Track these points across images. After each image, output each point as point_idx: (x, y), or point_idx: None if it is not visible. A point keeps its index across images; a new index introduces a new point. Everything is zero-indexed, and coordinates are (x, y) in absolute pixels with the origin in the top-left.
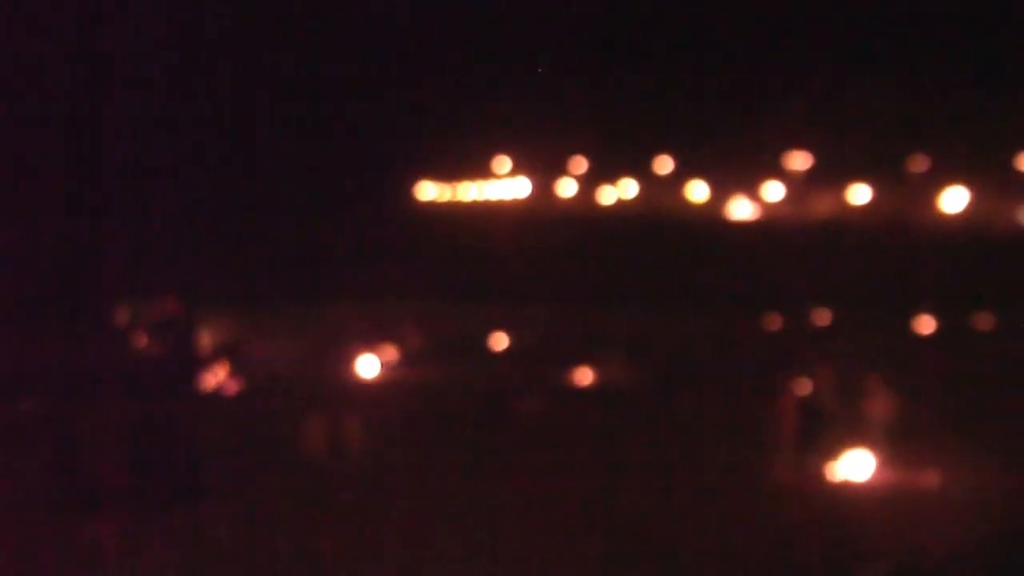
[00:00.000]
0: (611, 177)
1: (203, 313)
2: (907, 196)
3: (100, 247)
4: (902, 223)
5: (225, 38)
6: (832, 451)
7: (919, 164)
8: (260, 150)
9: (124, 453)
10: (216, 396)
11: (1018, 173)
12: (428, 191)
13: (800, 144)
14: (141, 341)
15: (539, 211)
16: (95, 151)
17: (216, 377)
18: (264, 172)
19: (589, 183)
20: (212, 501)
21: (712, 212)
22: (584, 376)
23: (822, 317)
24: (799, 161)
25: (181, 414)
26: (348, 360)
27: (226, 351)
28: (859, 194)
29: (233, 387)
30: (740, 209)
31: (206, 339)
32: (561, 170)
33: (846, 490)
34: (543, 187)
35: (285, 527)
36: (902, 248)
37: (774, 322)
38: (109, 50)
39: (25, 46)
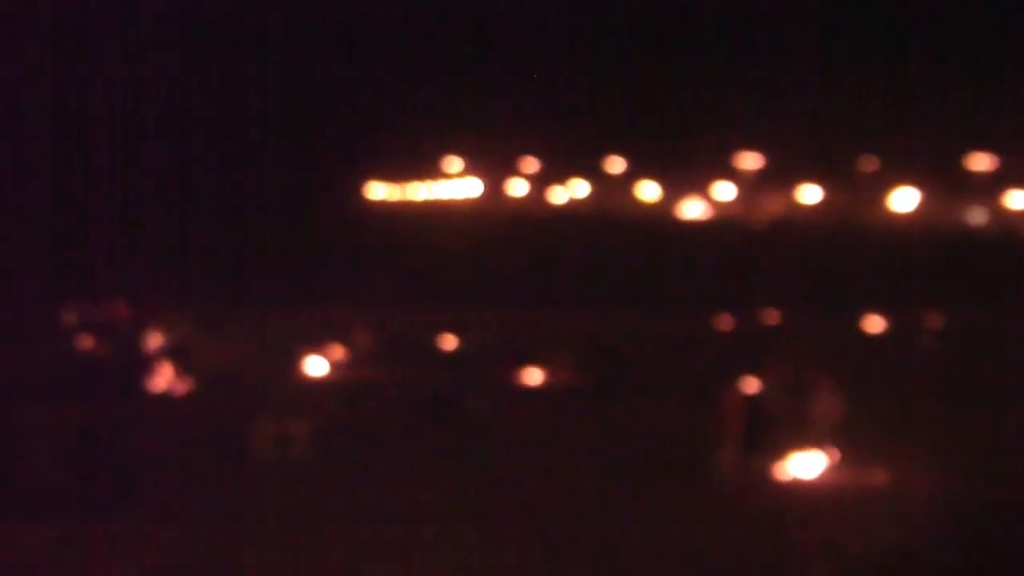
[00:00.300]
0: (562, 177)
1: (151, 315)
2: (857, 196)
3: (45, 249)
4: (852, 223)
5: (176, 43)
6: (781, 451)
7: (869, 164)
8: (208, 154)
9: (66, 457)
10: (163, 398)
11: (967, 173)
12: (378, 192)
13: (751, 145)
14: (86, 343)
15: (490, 211)
16: (40, 155)
17: (163, 379)
18: (212, 176)
19: (540, 183)
20: (157, 504)
21: (663, 212)
22: (533, 377)
23: (772, 317)
24: (750, 161)
25: (126, 417)
26: (297, 362)
27: (174, 353)
28: (809, 194)
29: (180, 389)
30: (691, 209)
31: (154, 341)
32: (512, 170)
33: (795, 490)
34: (494, 187)
35: (230, 529)
36: (852, 248)
37: (724, 322)
38: (47, 53)
39: None
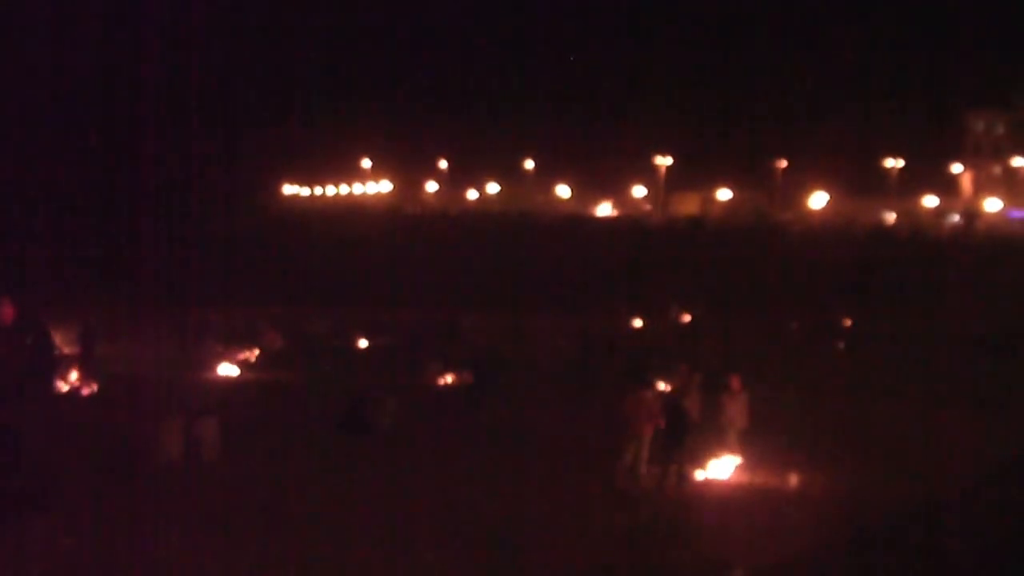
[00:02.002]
0: (474, 178)
1: (57, 315)
2: (773, 197)
3: None
4: (766, 223)
5: (90, 39)
6: (694, 453)
7: (783, 164)
8: (116, 150)
9: None
10: (68, 399)
11: (883, 172)
12: (291, 192)
13: (663, 146)
14: None
15: (402, 212)
16: None
17: (69, 380)
18: (122, 173)
19: (452, 184)
20: (61, 509)
21: (576, 212)
22: (444, 378)
23: (685, 317)
24: (663, 162)
25: (28, 419)
26: (207, 362)
27: (81, 353)
28: (722, 194)
29: (87, 390)
30: (603, 209)
31: (60, 341)
32: (425, 171)
33: (707, 492)
34: (406, 188)
35: (137, 533)
36: (765, 248)
37: (637, 322)
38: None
39: None
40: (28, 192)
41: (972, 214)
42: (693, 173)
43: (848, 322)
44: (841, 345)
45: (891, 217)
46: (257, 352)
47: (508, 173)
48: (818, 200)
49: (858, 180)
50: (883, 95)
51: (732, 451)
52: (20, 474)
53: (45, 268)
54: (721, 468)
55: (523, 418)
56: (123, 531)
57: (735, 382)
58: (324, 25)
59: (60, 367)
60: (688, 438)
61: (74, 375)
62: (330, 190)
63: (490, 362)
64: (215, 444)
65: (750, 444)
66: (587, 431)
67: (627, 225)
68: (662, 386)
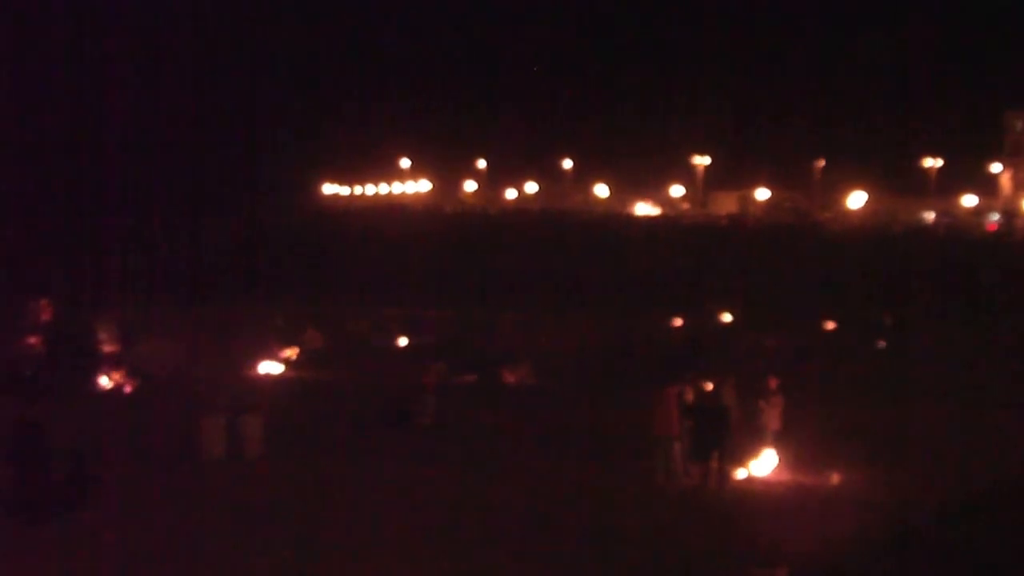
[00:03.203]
0: (513, 177)
1: (100, 313)
2: (811, 196)
3: None
4: (805, 223)
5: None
6: (734, 451)
7: (822, 164)
8: (159, 149)
9: (11, 459)
10: (111, 396)
11: (922, 172)
12: (331, 191)
13: (702, 145)
14: (33, 342)
15: (441, 211)
16: None
17: (113, 378)
18: (164, 172)
19: (491, 183)
20: (103, 505)
21: (615, 212)
22: (485, 376)
23: (724, 317)
24: (701, 161)
25: (70, 416)
26: (250, 361)
27: (122, 351)
28: (761, 193)
29: (129, 387)
30: (641, 208)
31: (104, 339)
32: (464, 170)
33: (747, 490)
34: (445, 187)
35: (181, 530)
36: (805, 248)
37: (677, 321)
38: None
39: None
40: (68, 193)
41: (1011, 213)
42: (732, 172)
43: (889, 321)
44: (882, 344)
45: (930, 216)
46: (298, 350)
47: (547, 172)
48: (857, 199)
49: (897, 179)
50: (922, 95)
51: (772, 448)
52: (62, 471)
53: (87, 268)
54: (761, 466)
55: (562, 415)
56: (166, 525)
57: (771, 383)
58: (365, 25)
59: (102, 365)
60: (727, 436)
61: (115, 373)
62: (369, 189)
63: (565, 359)
64: (258, 441)
65: (789, 442)
66: (627, 429)
67: (666, 224)
68: (701, 385)
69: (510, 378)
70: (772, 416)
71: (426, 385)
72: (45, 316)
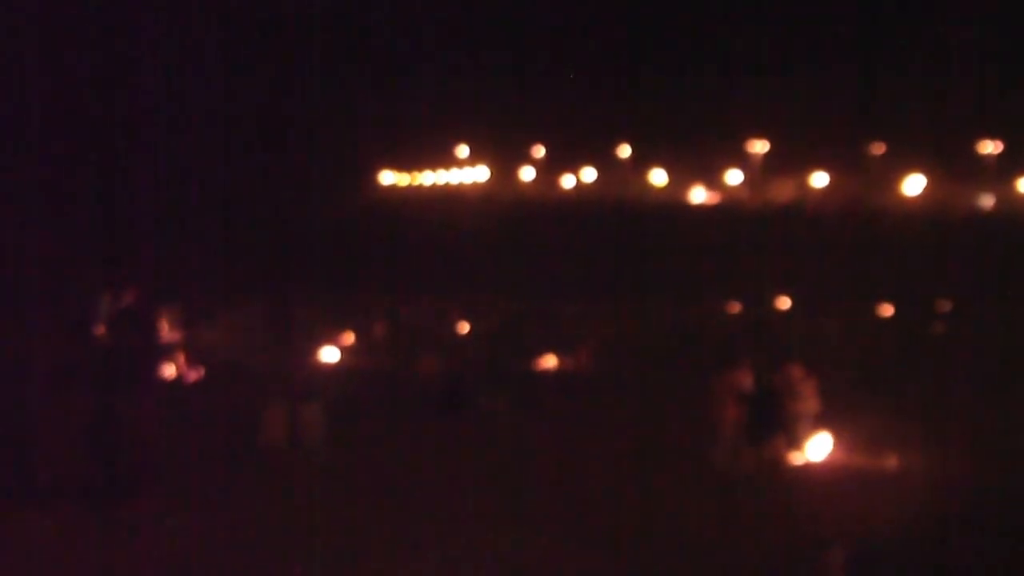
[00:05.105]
0: (571, 164)
1: (164, 304)
2: (867, 182)
3: (58, 242)
4: (862, 209)
5: (202, 39)
6: (791, 435)
7: (878, 150)
8: (224, 144)
9: (81, 446)
10: (175, 385)
11: (978, 158)
12: (390, 180)
13: (759, 131)
14: (100, 333)
15: (499, 198)
16: (55, 150)
17: (176, 367)
18: (226, 165)
19: (549, 170)
20: (169, 492)
21: (672, 198)
22: (543, 364)
23: (783, 303)
24: (758, 147)
25: (139, 405)
26: (309, 349)
27: (185, 339)
28: (818, 180)
29: (193, 376)
30: (699, 195)
31: (167, 329)
32: (521, 157)
33: (804, 474)
34: (503, 174)
35: (243, 517)
36: (861, 234)
37: (734, 308)
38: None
39: None
40: (140, 183)
41: None
42: (789, 158)
43: (946, 307)
44: (940, 330)
45: (989, 202)
46: (357, 338)
47: (604, 159)
48: (915, 185)
49: (956, 165)
50: (983, 79)
51: (829, 432)
52: (127, 458)
53: (151, 255)
54: (816, 450)
55: (618, 401)
56: (228, 512)
57: (796, 370)
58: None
59: (167, 353)
60: (782, 421)
61: (180, 361)
62: (428, 177)
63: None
64: (318, 428)
65: (845, 426)
66: (684, 415)
67: (723, 210)
68: (763, 370)
69: (569, 365)
70: (809, 400)
71: (491, 372)
72: (127, 303)
